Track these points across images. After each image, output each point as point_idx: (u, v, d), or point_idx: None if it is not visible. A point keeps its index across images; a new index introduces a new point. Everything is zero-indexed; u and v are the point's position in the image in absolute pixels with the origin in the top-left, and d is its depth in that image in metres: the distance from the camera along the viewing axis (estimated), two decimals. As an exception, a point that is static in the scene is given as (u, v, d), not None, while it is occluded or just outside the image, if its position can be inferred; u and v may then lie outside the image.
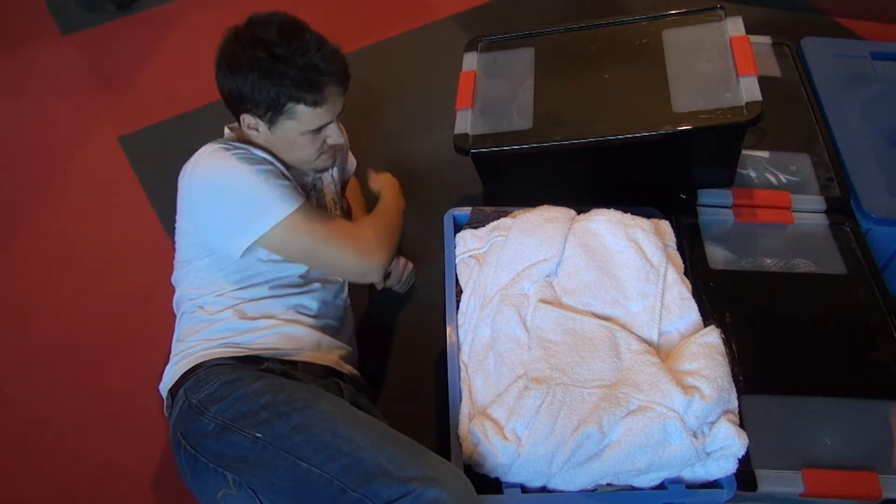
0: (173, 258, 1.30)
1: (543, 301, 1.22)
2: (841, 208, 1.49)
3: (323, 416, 1.05)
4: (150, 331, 1.53)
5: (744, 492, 1.11)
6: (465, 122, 1.50)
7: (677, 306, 1.21)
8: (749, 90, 1.34)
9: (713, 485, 1.10)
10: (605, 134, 1.39)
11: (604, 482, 1.09)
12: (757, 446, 1.12)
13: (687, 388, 1.08)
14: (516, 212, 1.38)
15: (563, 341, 1.17)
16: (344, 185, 1.53)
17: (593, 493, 1.09)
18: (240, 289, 1.23)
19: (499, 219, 1.38)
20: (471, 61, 1.62)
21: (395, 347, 1.54)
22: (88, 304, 1.60)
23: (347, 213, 1.49)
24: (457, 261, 1.37)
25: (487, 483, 1.10)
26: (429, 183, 1.83)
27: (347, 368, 1.28)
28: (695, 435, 1.06)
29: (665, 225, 1.35)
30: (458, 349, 1.26)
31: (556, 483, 1.09)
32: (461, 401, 1.18)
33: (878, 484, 1.11)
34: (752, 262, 1.41)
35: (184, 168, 1.22)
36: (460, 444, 1.12)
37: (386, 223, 1.34)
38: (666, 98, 1.40)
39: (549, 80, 1.53)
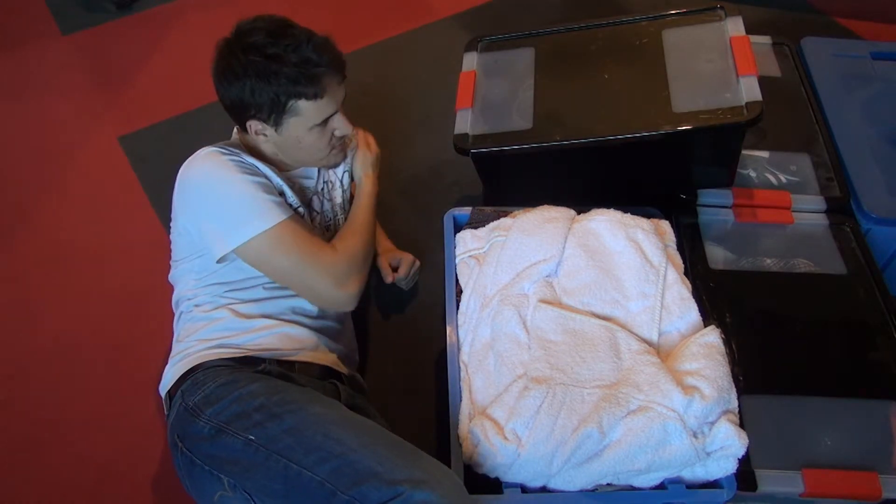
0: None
1: (543, 301, 1.22)
2: (841, 208, 1.49)
3: (315, 417, 1.05)
4: (150, 331, 1.53)
5: (744, 492, 1.11)
6: (465, 122, 1.50)
7: (677, 306, 1.21)
8: (749, 90, 1.34)
9: (713, 485, 1.10)
10: (605, 134, 1.39)
11: (604, 482, 1.09)
12: (757, 446, 1.12)
13: (687, 388, 1.08)
14: (516, 212, 1.38)
15: (563, 341, 1.17)
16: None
17: (593, 493, 1.09)
18: (235, 289, 1.23)
19: (499, 219, 1.38)
20: (471, 61, 1.62)
21: (395, 347, 1.54)
22: (88, 304, 1.60)
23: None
24: (457, 261, 1.37)
25: (487, 483, 1.10)
26: (429, 183, 1.83)
27: (345, 369, 1.28)
28: (695, 435, 1.06)
29: (665, 225, 1.35)
30: (458, 349, 1.26)
31: (556, 483, 1.09)
32: (461, 401, 1.18)
33: (878, 484, 1.11)
34: (752, 262, 1.41)
35: (181, 168, 1.23)
36: (460, 444, 1.12)
37: (363, 241, 1.28)
38: (666, 98, 1.40)
39: (549, 80, 1.53)
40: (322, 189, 1.36)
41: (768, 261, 1.41)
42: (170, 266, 1.31)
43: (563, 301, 1.23)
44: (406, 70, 2.14)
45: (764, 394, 1.21)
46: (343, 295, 1.22)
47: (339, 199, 1.39)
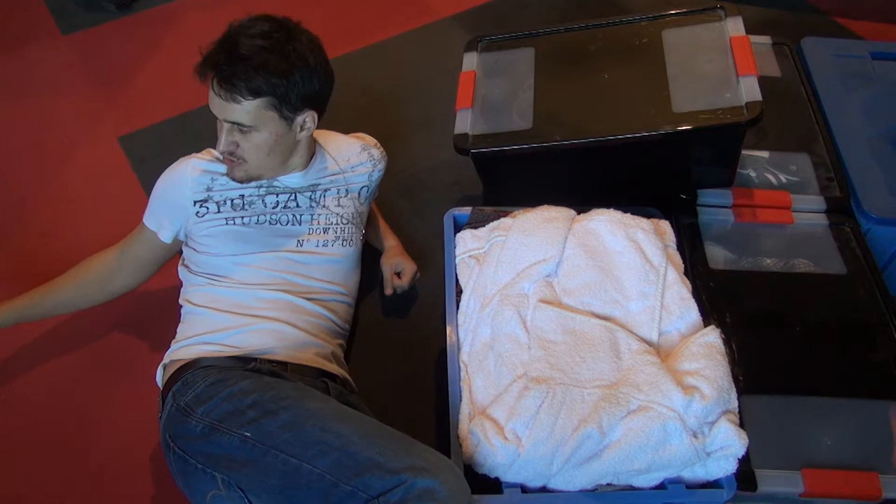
0: (174, 257, 1.35)
1: (543, 301, 1.22)
2: (841, 208, 1.49)
3: (311, 412, 1.05)
4: (149, 330, 1.53)
5: (744, 492, 1.11)
6: (465, 122, 1.50)
7: (677, 306, 1.21)
8: (749, 90, 1.34)
9: (713, 485, 1.10)
10: (605, 134, 1.39)
11: (604, 482, 1.09)
12: (757, 446, 1.12)
13: (687, 388, 1.08)
14: (516, 212, 1.37)
15: (563, 341, 1.17)
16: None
17: (593, 493, 1.09)
18: (210, 283, 1.27)
19: (499, 219, 1.38)
20: (471, 61, 1.62)
21: (395, 347, 1.54)
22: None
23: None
24: (457, 261, 1.37)
25: (487, 483, 1.10)
26: (429, 183, 1.83)
27: (336, 369, 1.28)
28: (695, 435, 1.06)
29: (665, 225, 1.35)
30: (458, 349, 1.26)
31: (556, 483, 1.09)
32: (461, 401, 1.18)
33: (878, 484, 1.11)
34: (752, 262, 1.41)
35: None
36: (460, 444, 1.12)
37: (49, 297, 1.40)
38: (666, 98, 1.40)
39: (549, 80, 1.53)
40: (318, 195, 1.36)
41: (768, 261, 1.41)
42: (170, 266, 1.36)
43: (563, 301, 1.23)
44: (406, 70, 2.14)
45: (764, 394, 1.21)
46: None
47: (350, 210, 1.40)
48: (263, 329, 1.23)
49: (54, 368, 1.49)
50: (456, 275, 1.35)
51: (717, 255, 1.41)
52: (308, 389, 1.13)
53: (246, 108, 1.17)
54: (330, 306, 1.33)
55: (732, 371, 1.14)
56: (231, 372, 1.13)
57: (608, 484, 1.10)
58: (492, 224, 1.37)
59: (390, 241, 1.59)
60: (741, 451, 1.06)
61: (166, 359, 1.25)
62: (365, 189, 1.44)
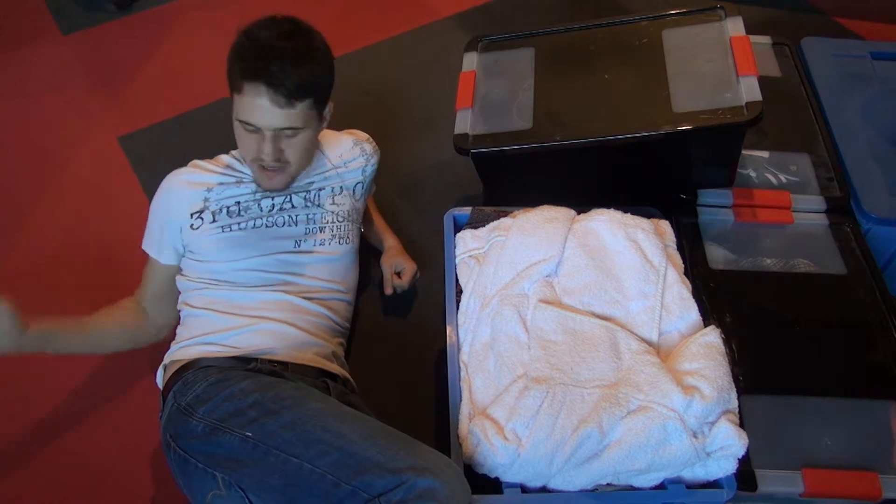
0: None
1: (543, 301, 1.22)
2: (841, 208, 1.49)
3: (312, 412, 1.05)
4: (150, 331, 1.53)
5: (744, 492, 1.11)
6: (465, 122, 1.50)
7: (677, 306, 1.21)
8: (749, 90, 1.34)
9: (713, 485, 1.10)
10: (605, 134, 1.39)
11: (604, 482, 1.09)
12: (757, 446, 1.12)
13: (687, 388, 1.08)
14: (516, 212, 1.37)
15: (563, 341, 1.17)
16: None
17: (593, 493, 1.09)
18: (207, 287, 1.26)
19: (499, 219, 1.38)
20: (471, 61, 1.62)
21: (395, 347, 1.54)
22: (88, 303, 1.60)
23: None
24: (457, 261, 1.37)
25: (487, 483, 1.10)
26: (429, 183, 1.83)
27: (337, 369, 1.28)
28: (695, 435, 1.06)
29: (665, 225, 1.35)
30: (458, 349, 1.26)
31: (556, 483, 1.09)
32: (461, 401, 1.18)
33: (878, 484, 1.11)
34: (752, 262, 1.41)
35: None
36: (460, 444, 1.12)
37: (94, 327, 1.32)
38: (666, 98, 1.40)
39: (549, 80, 1.53)
40: (313, 194, 1.36)
41: (768, 261, 1.41)
42: None
43: (563, 301, 1.23)
44: (406, 70, 2.14)
45: (764, 394, 1.21)
46: None
47: (346, 208, 1.39)
48: (264, 329, 1.23)
49: (54, 368, 1.49)
50: (456, 275, 1.35)
51: (717, 255, 1.41)
52: (309, 389, 1.13)
53: (298, 111, 1.17)
54: (330, 305, 1.33)
55: (732, 371, 1.14)
56: (232, 372, 1.13)
57: (608, 484, 1.10)
58: (492, 224, 1.37)
59: (390, 241, 1.59)
60: (741, 451, 1.06)
61: (166, 359, 1.26)
62: (360, 185, 1.44)
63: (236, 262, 1.27)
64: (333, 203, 1.38)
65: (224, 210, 1.28)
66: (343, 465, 0.98)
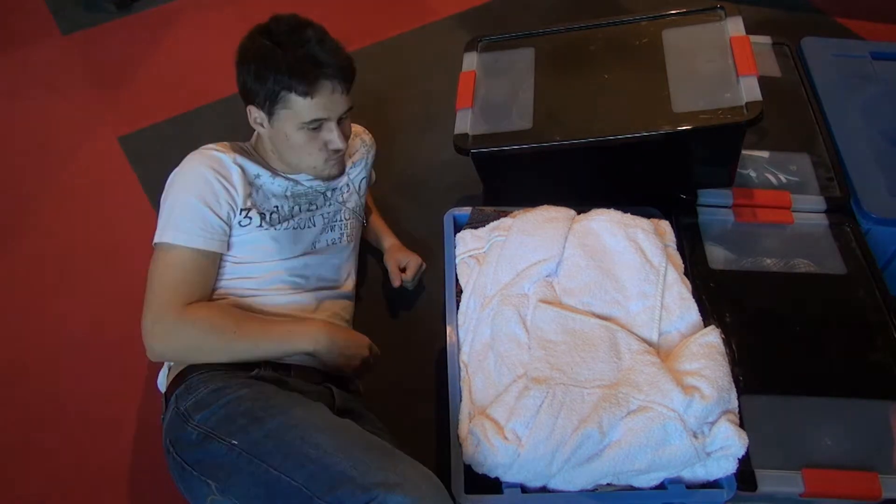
0: None
1: (543, 301, 1.22)
2: (841, 208, 1.49)
3: (296, 421, 1.04)
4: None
5: (744, 492, 1.11)
6: (465, 122, 1.50)
7: (677, 306, 1.21)
8: (749, 90, 1.34)
9: (713, 485, 1.10)
10: (605, 134, 1.39)
11: (604, 482, 1.09)
12: (757, 446, 1.12)
13: (687, 388, 1.08)
14: (516, 212, 1.37)
15: (563, 341, 1.17)
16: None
17: (593, 493, 1.09)
18: (225, 287, 1.23)
19: (499, 219, 1.38)
20: (471, 61, 1.62)
21: (395, 347, 1.53)
22: (88, 303, 1.60)
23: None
24: (457, 261, 1.37)
25: (487, 483, 1.10)
26: (429, 183, 1.83)
27: (341, 373, 1.28)
28: (695, 435, 1.06)
29: (665, 225, 1.35)
30: (458, 349, 1.26)
31: (556, 483, 1.09)
32: (461, 401, 1.18)
33: (878, 484, 1.11)
34: (752, 262, 1.41)
35: None
36: (460, 444, 1.12)
37: (206, 339, 1.15)
38: (666, 98, 1.40)
39: (549, 80, 1.53)
40: (333, 192, 1.36)
41: (768, 261, 1.41)
42: None
43: (563, 301, 1.23)
44: (406, 70, 2.14)
45: (764, 394, 1.21)
46: (147, 340, 1.15)
47: (352, 205, 1.40)
48: None
49: (54, 368, 1.49)
50: (456, 275, 1.35)
51: (717, 255, 1.41)
52: (301, 398, 1.12)
53: (350, 92, 1.24)
54: (335, 304, 1.33)
55: (732, 371, 1.14)
56: (233, 379, 1.13)
57: (608, 484, 1.10)
58: (492, 224, 1.37)
59: (390, 240, 1.59)
60: (741, 451, 1.06)
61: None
62: (364, 181, 1.44)
63: (261, 263, 1.25)
64: (343, 200, 1.38)
65: (267, 214, 1.25)
66: (317, 478, 0.97)
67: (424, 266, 1.54)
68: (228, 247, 1.22)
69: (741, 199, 1.49)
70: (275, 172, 1.27)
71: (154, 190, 1.81)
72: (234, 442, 1.03)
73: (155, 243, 1.20)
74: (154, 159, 1.89)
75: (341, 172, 1.34)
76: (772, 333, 1.30)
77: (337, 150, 1.26)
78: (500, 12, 2.32)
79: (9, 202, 1.80)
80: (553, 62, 1.57)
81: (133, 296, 1.60)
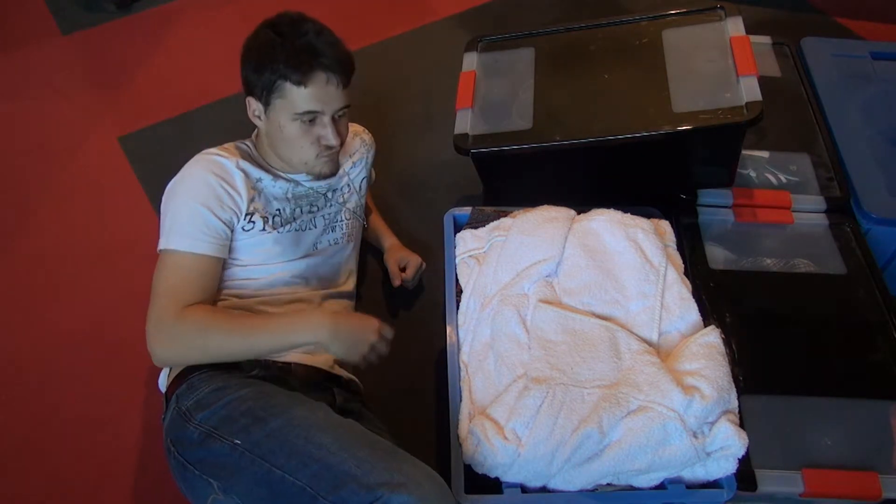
0: None
1: (543, 301, 1.22)
2: (841, 208, 1.49)
3: (298, 421, 1.05)
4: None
5: (744, 492, 1.11)
6: (465, 122, 1.50)
7: (677, 306, 1.21)
8: (749, 90, 1.34)
9: (713, 485, 1.10)
10: (605, 134, 1.39)
11: (604, 482, 1.09)
12: (757, 446, 1.12)
13: (687, 388, 1.08)
14: (516, 212, 1.37)
15: (562, 341, 1.17)
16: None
17: (593, 493, 1.09)
18: (228, 288, 1.23)
19: (499, 219, 1.38)
20: (471, 61, 1.62)
21: (395, 347, 1.53)
22: (88, 303, 1.60)
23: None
24: (457, 261, 1.37)
25: (487, 483, 1.10)
26: (429, 183, 1.83)
27: (342, 372, 1.27)
28: (695, 435, 1.06)
29: (665, 225, 1.35)
30: (458, 349, 1.26)
31: (556, 483, 1.09)
32: (461, 401, 1.18)
33: (878, 484, 1.11)
34: (752, 262, 1.41)
35: None
36: (460, 444, 1.12)
37: (213, 333, 1.14)
38: (666, 98, 1.40)
39: (549, 80, 1.53)
40: (333, 193, 1.36)
41: (768, 261, 1.41)
42: None
43: (563, 301, 1.23)
44: (406, 70, 2.14)
45: (764, 394, 1.21)
46: (150, 346, 1.14)
47: (352, 205, 1.40)
48: None
49: (54, 368, 1.49)
50: (456, 275, 1.35)
51: (717, 255, 1.41)
52: (302, 397, 1.12)
53: (348, 89, 1.23)
54: (338, 304, 1.33)
55: (732, 371, 1.14)
56: (234, 379, 1.13)
57: (608, 484, 1.10)
58: (492, 224, 1.37)
59: (390, 240, 1.59)
60: (741, 451, 1.06)
61: None
62: (365, 181, 1.44)
63: (264, 266, 1.25)
64: (343, 201, 1.38)
65: (270, 217, 1.25)
66: (321, 478, 0.97)
67: (424, 265, 1.54)
68: (232, 251, 1.22)
69: (741, 199, 1.49)
70: (276, 175, 1.27)
71: (154, 190, 1.81)
72: (236, 441, 1.03)
73: (159, 250, 1.19)
74: (154, 159, 1.89)
75: (334, 172, 1.33)
76: (772, 333, 1.30)
77: (329, 147, 1.25)
78: (500, 12, 2.32)
79: (9, 202, 1.80)
80: (553, 62, 1.57)
81: (133, 296, 1.60)
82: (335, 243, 1.35)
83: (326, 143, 1.24)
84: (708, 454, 1.07)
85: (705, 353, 1.13)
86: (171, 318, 1.13)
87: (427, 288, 1.60)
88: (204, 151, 1.24)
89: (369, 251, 1.65)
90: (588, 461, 1.07)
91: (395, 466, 0.98)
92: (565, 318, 1.19)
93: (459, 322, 1.29)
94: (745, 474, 1.11)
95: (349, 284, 1.39)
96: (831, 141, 1.59)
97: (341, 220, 1.37)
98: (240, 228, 1.22)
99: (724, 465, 1.07)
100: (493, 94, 1.56)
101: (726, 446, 1.07)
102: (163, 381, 1.25)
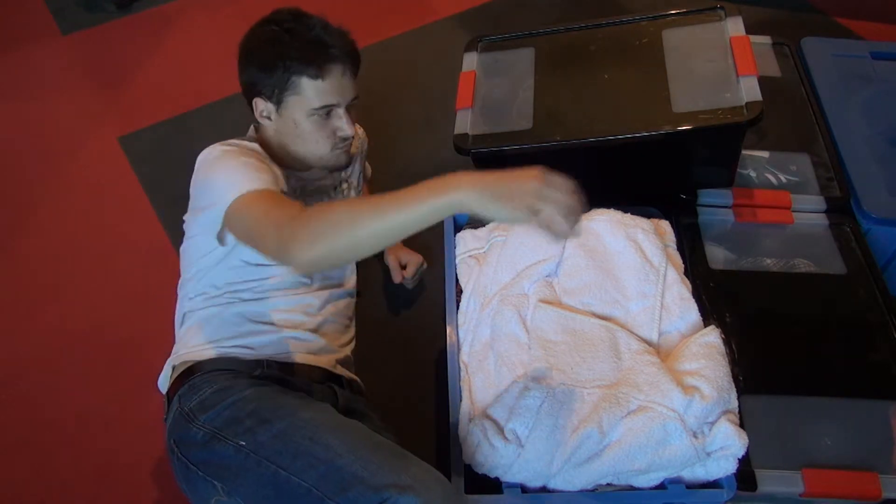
0: (174, 257, 1.30)
1: (543, 301, 1.22)
2: (841, 208, 1.49)
3: (304, 422, 1.04)
4: (150, 331, 1.53)
5: (744, 492, 1.11)
6: (465, 122, 1.50)
7: (677, 306, 1.21)
8: (749, 90, 1.34)
9: (713, 485, 1.10)
10: (605, 134, 1.39)
11: (604, 482, 1.09)
12: (757, 446, 1.12)
13: (687, 388, 1.08)
14: (516, 212, 1.37)
15: (562, 341, 1.17)
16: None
17: (593, 493, 1.09)
18: (234, 290, 1.22)
19: (499, 219, 1.38)
20: (471, 61, 1.62)
21: (395, 347, 1.54)
22: (88, 303, 1.60)
23: None
24: (457, 261, 1.37)
25: (487, 483, 1.10)
26: (429, 183, 1.83)
27: (344, 372, 1.27)
28: (695, 435, 1.06)
29: (665, 225, 1.35)
30: (458, 349, 1.26)
31: (556, 483, 1.09)
32: (461, 401, 1.18)
33: (878, 484, 1.11)
34: (752, 262, 1.41)
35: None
36: (460, 444, 1.12)
37: (339, 219, 0.96)
38: (666, 98, 1.40)
39: (549, 80, 1.53)
40: (335, 190, 1.36)
41: (768, 261, 1.41)
42: (172, 265, 1.30)
43: (563, 301, 1.23)
44: (406, 70, 2.14)
45: (764, 394, 1.21)
46: (285, 259, 0.99)
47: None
48: (273, 332, 1.21)
49: (54, 368, 1.49)
50: (456, 275, 1.36)
51: (717, 255, 1.41)
52: (307, 399, 1.12)
53: (357, 79, 1.25)
54: (340, 302, 1.33)
55: (732, 371, 1.14)
56: (238, 379, 1.13)
57: (608, 484, 1.10)
58: (492, 224, 1.37)
59: None
60: (741, 451, 1.06)
61: (175, 360, 1.23)
62: (360, 175, 1.44)
63: (269, 266, 1.23)
64: (345, 196, 1.38)
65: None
66: (328, 479, 0.97)
67: (425, 264, 1.54)
68: (237, 249, 1.20)
69: (741, 199, 1.49)
70: (285, 174, 1.27)
71: (154, 190, 1.81)
72: (241, 443, 1.03)
73: (225, 209, 1.09)
74: (154, 159, 1.89)
75: (349, 162, 1.33)
76: (772, 333, 1.30)
77: (345, 138, 1.25)
78: (500, 12, 2.32)
79: (9, 202, 1.80)
80: (553, 62, 1.57)
81: (133, 296, 1.61)
82: None
83: (342, 135, 1.24)
84: (708, 454, 1.07)
85: (705, 353, 1.13)
86: (291, 224, 0.98)
87: (427, 288, 1.61)
88: (217, 143, 1.20)
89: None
90: (588, 461, 1.07)
91: (403, 469, 0.98)
92: (565, 318, 1.19)
93: (459, 322, 1.29)
94: (745, 474, 1.11)
95: (351, 281, 1.39)
96: (831, 141, 1.59)
97: None
98: None
99: (724, 465, 1.07)
100: (493, 94, 1.56)
101: (726, 446, 1.07)
102: (163, 382, 1.25)
